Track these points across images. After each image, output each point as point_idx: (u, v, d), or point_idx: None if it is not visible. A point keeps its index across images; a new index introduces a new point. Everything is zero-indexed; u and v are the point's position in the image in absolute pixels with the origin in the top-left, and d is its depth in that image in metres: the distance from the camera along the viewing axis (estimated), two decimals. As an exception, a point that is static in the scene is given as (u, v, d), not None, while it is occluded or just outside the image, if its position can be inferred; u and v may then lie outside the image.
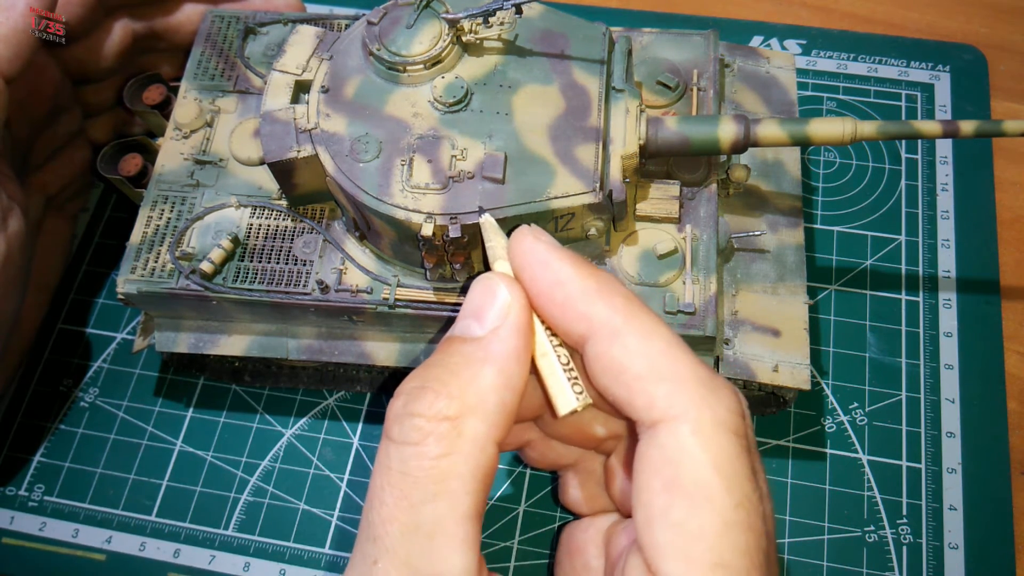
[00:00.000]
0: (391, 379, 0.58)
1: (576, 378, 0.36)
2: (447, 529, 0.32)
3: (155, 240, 0.50)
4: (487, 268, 0.40)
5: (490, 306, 0.36)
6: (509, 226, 0.45)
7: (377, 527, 0.32)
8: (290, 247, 0.50)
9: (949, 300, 0.61)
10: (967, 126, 0.45)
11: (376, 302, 0.48)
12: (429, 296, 0.48)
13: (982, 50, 0.71)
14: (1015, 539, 0.53)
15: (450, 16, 0.46)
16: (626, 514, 0.41)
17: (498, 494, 0.56)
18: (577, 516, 0.46)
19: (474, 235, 0.44)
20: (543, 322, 0.37)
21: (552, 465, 0.46)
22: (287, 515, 0.56)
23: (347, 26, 0.55)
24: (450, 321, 0.48)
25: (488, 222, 0.43)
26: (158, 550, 0.55)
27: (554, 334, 0.37)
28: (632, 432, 0.40)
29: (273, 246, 0.50)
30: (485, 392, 0.34)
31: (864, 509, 0.55)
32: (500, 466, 0.56)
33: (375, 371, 0.57)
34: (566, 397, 0.36)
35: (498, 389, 0.34)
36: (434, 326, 0.50)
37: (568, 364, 0.36)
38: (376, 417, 0.59)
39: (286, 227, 0.50)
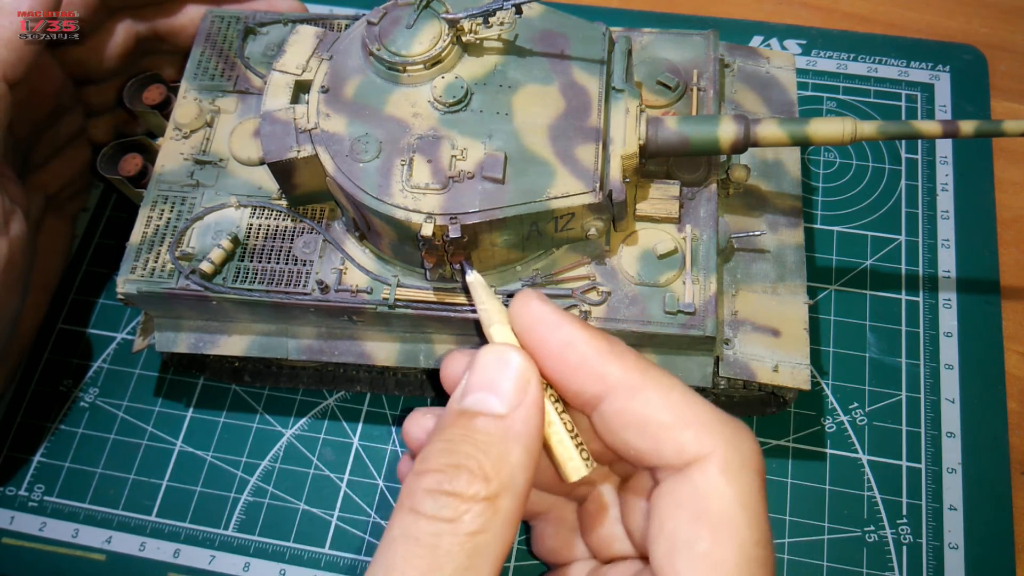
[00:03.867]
0: (391, 379, 0.58)
1: (582, 444, 0.37)
2: None
3: (155, 240, 0.50)
4: (480, 333, 0.40)
5: (506, 379, 0.36)
6: (510, 226, 0.45)
7: None
8: (290, 247, 0.50)
9: (949, 300, 0.61)
10: (967, 126, 0.45)
11: (376, 302, 0.48)
12: (429, 296, 0.48)
13: (982, 50, 0.71)
14: (1015, 539, 0.53)
15: (450, 16, 0.46)
16: (604, 560, 0.42)
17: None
18: (551, 567, 0.46)
19: (474, 235, 0.45)
20: (548, 388, 0.38)
21: (525, 513, 0.46)
22: (287, 515, 0.56)
23: (347, 26, 0.55)
24: (450, 321, 0.48)
25: (477, 282, 0.42)
26: (158, 550, 0.55)
27: (557, 400, 0.38)
28: (629, 476, 0.41)
29: (273, 246, 0.50)
30: (515, 471, 0.34)
31: (864, 509, 0.55)
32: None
33: (375, 371, 0.57)
34: (576, 463, 0.37)
35: (527, 468, 0.35)
36: (434, 326, 0.50)
37: (573, 431, 0.37)
38: (376, 417, 0.59)
39: (286, 227, 0.50)
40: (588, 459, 0.37)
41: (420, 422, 0.41)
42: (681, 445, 0.35)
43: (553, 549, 0.45)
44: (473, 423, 0.36)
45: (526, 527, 0.54)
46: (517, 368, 0.36)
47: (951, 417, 0.57)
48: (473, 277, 0.42)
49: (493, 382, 0.36)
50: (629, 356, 0.37)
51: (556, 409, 0.37)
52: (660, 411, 0.35)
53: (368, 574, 0.33)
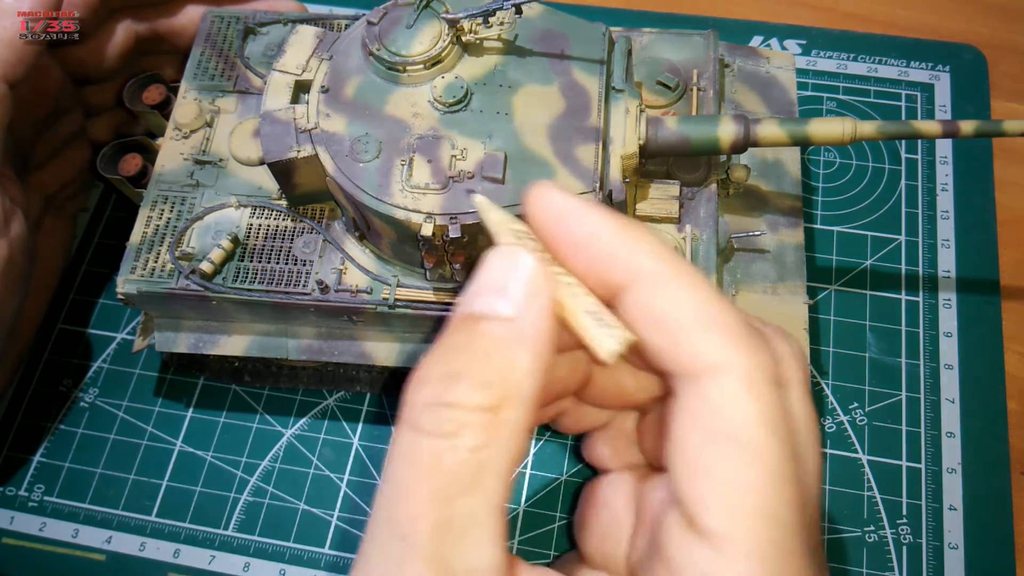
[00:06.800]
0: (391, 379, 0.58)
1: (605, 322, 0.33)
2: (481, 523, 0.30)
3: (155, 240, 0.50)
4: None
5: (516, 281, 0.33)
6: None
7: (405, 524, 0.30)
8: (290, 247, 0.50)
9: (949, 300, 0.61)
10: (967, 126, 0.45)
11: (376, 302, 0.48)
12: (429, 296, 0.48)
13: (982, 50, 0.71)
14: (1015, 539, 0.53)
15: (450, 16, 0.46)
16: (659, 470, 0.39)
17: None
18: (599, 472, 0.44)
19: (474, 235, 0.45)
20: (568, 272, 0.35)
21: (585, 429, 0.45)
22: (287, 515, 0.56)
23: (347, 26, 0.55)
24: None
25: (482, 201, 0.38)
26: (158, 550, 0.55)
27: (576, 284, 0.34)
28: (667, 387, 0.37)
29: (273, 246, 0.50)
30: (522, 379, 0.32)
31: (864, 509, 0.55)
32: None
33: (375, 371, 0.57)
34: (608, 341, 0.33)
35: (535, 375, 0.32)
36: (434, 326, 0.50)
37: (599, 310, 0.34)
38: (376, 417, 0.59)
39: (286, 227, 0.50)
40: (620, 334, 0.33)
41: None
42: (696, 350, 0.31)
43: (606, 456, 0.43)
44: (478, 328, 0.33)
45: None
46: (528, 269, 0.33)
47: (951, 417, 0.57)
48: (479, 198, 0.38)
49: (502, 284, 0.33)
50: (659, 246, 0.33)
51: (576, 292, 0.34)
52: (683, 309, 0.32)
53: (377, 497, 0.31)
